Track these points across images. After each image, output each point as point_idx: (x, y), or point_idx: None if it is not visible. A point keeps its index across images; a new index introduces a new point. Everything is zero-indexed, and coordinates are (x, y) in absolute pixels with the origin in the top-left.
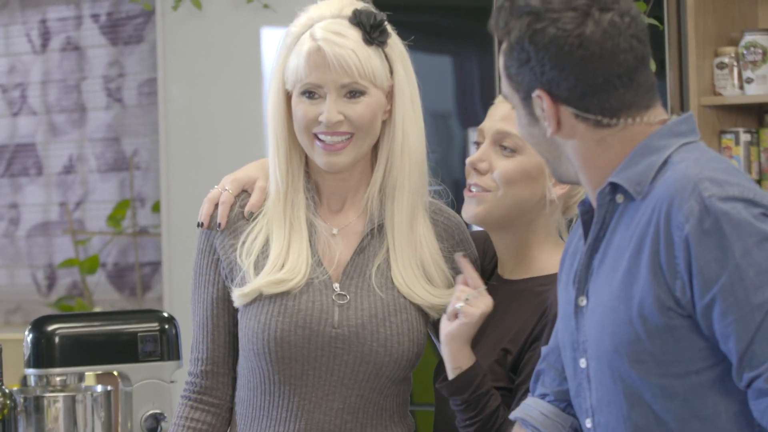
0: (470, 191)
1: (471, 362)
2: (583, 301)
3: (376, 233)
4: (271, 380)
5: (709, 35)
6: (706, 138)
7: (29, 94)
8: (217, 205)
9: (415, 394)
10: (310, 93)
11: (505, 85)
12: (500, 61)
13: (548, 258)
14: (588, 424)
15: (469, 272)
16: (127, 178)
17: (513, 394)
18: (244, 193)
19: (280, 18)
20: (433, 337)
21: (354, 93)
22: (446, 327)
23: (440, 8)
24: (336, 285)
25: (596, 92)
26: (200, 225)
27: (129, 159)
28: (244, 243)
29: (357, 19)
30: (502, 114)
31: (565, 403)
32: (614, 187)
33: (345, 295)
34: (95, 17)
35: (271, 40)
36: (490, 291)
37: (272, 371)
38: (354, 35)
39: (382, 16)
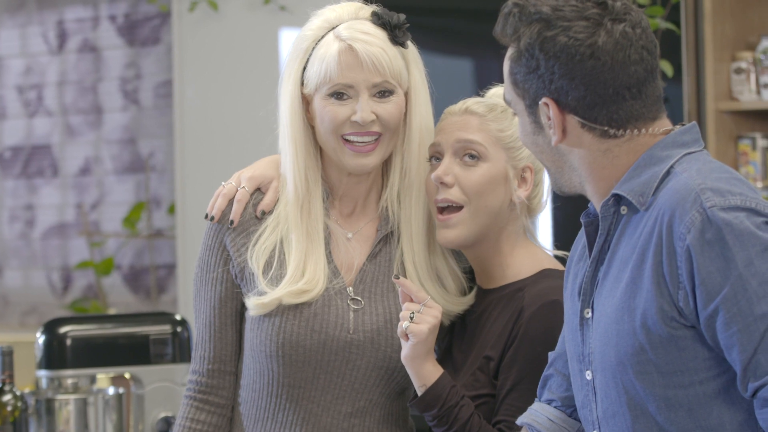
0: (441, 215)
1: (436, 377)
2: (588, 313)
3: (389, 238)
4: (279, 383)
5: (727, 40)
6: (723, 143)
7: (45, 95)
8: (231, 202)
9: None
10: (339, 94)
11: (509, 91)
12: (505, 67)
13: (522, 263)
14: None
15: (410, 287)
16: (142, 180)
17: (496, 400)
18: (257, 191)
19: (297, 19)
20: None
21: (384, 92)
22: (402, 349)
23: (459, 11)
24: (350, 289)
25: (605, 103)
26: (210, 219)
27: (145, 161)
28: (255, 244)
29: (380, 20)
30: (459, 125)
31: (571, 408)
32: (618, 199)
33: (360, 300)
34: (112, 18)
35: (289, 41)
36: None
37: (282, 374)
38: (380, 35)
39: (402, 17)
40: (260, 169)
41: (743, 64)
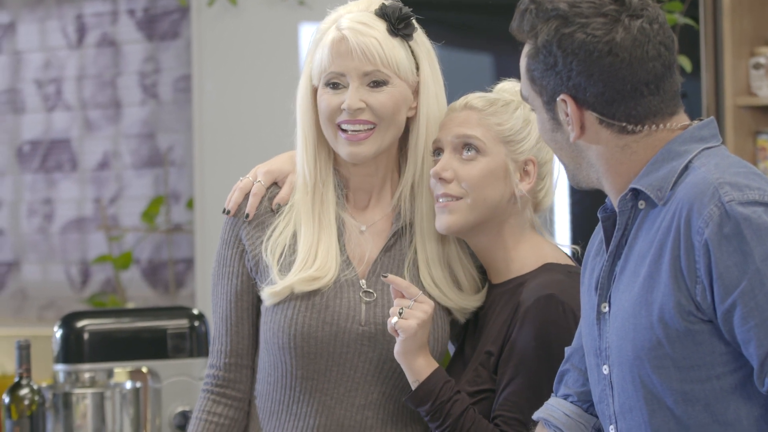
0: (439, 202)
1: (428, 372)
2: (605, 308)
3: (403, 232)
4: (293, 375)
5: (745, 35)
6: (742, 138)
7: (64, 90)
8: (247, 196)
9: None
10: (334, 84)
11: (526, 87)
12: (522, 64)
13: (526, 257)
14: (612, 430)
15: (400, 283)
16: (161, 175)
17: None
18: (274, 185)
19: (316, 14)
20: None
21: (377, 83)
22: (395, 346)
23: (478, 7)
24: (363, 282)
25: (623, 99)
26: (226, 212)
27: (163, 155)
28: (270, 237)
29: (382, 12)
30: (459, 121)
31: (588, 403)
32: (636, 194)
33: (372, 293)
34: (131, 12)
35: (308, 35)
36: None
37: (296, 366)
38: (379, 26)
39: (408, 10)
40: (277, 163)
41: (762, 60)
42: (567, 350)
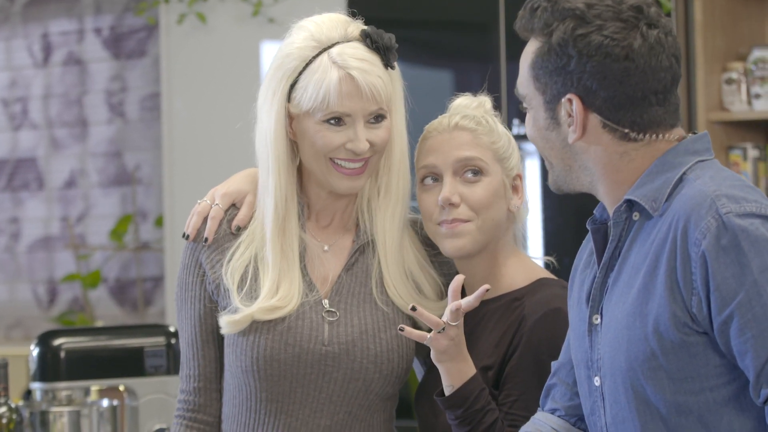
0: (445, 227)
1: (465, 379)
2: (597, 319)
3: (365, 248)
4: (257, 398)
5: (718, 51)
6: (714, 153)
7: (30, 108)
8: (206, 219)
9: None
10: (336, 120)
11: (526, 85)
12: (526, 61)
13: (516, 273)
14: None
15: (422, 314)
16: (129, 193)
17: (500, 409)
18: (232, 206)
19: (284, 32)
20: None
21: (378, 117)
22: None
23: (441, 24)
24: (326, 302)
25: (632, 106)
26: (186, 237)
27: (131, 173)
28: (230, 260)
29: (374, 44)
30: (455, 143)
31: (575, 417)
32: (630, 205)
33: (335, 312)
34: (97, 31)
35: (272, 54)
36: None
37: (259, 388)
38: (376, 60)
39: (392, 37)
40: (234, 184)
41: (734, 75)
42: (554, 365)
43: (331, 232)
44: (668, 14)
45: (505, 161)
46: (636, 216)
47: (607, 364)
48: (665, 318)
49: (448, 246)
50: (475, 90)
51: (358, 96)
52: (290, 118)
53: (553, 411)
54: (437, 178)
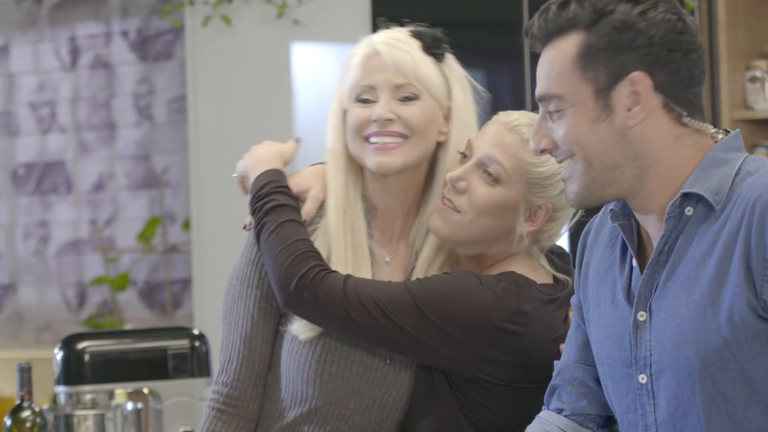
0: (443, 203)
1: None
2: (643, 316)
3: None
4: (311, 404)
5: (741, 49)
6: None
7: (59, 112)
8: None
9: None
10: (364, 100)
11: (567, 82)
12: (566, 55)
13: (510, 265)
14: None
15: None
16: (157, 196)
17: None
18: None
19: (309, 33)
20: None
21: (408, 98)
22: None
23: (469, 24)
24: None
25: (691, 84)
26: (245, 228)
27: (159, 176)
28: None
29: (416, 33)
30: (497, 139)
31: (582, 417)
32: (683, 199)
33: None
34: (124, 34)
35: (301, 55)
36: None
37: (317, 398)
38: (412, 43)
39: (439, 31)
40: (297, 179)
41: (758, 73)
42: (557, 365)
43: (393, 244)
44: (691, 12)
45: (535, 186)
46: (689, 211)
47: (667, 359)
48: (740, 306)
49: (432, 221)
50: (505, 91)
51: (380, 68)
52: (344, 113)
53: (559, 410)
54: (467, 157)
